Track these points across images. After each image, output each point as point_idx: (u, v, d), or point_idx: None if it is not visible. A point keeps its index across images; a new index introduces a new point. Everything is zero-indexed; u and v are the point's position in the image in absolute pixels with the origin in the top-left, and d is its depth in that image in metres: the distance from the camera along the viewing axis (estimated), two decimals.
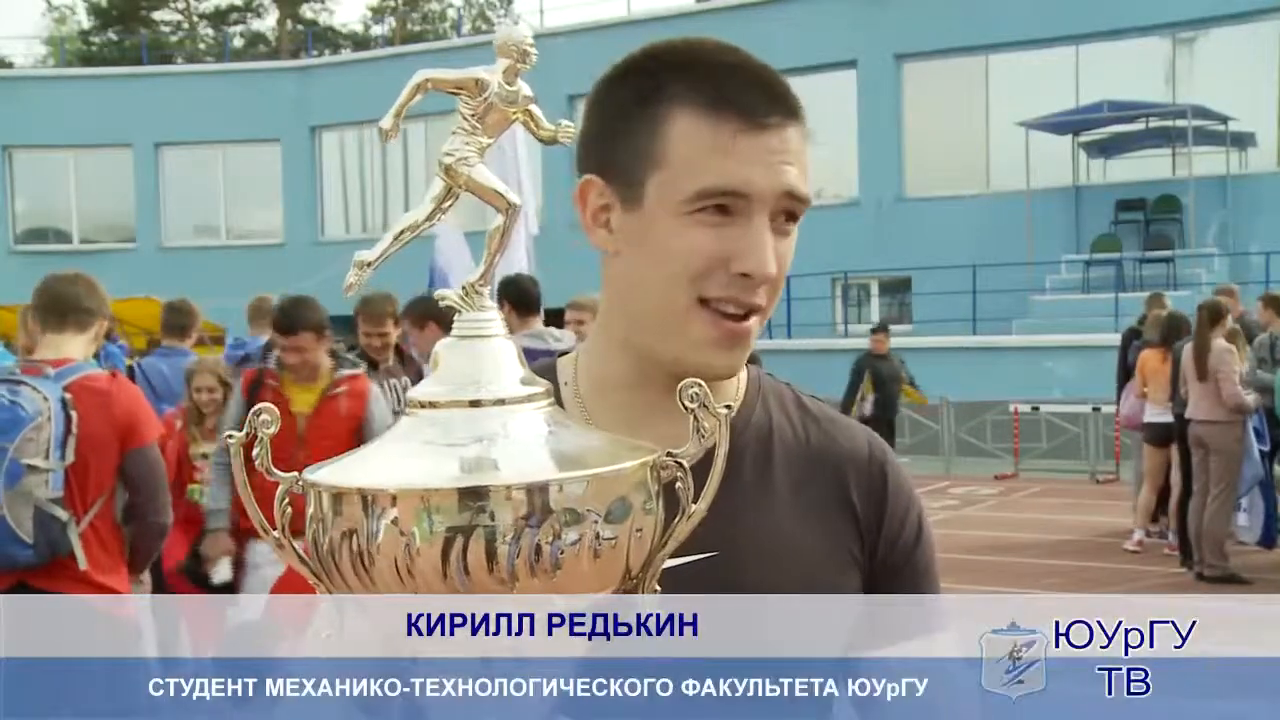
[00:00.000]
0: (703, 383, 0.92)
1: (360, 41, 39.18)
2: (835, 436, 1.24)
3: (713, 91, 1.10)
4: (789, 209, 1.12)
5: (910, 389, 12.07)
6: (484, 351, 0.93)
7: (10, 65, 33.23)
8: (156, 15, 41.07)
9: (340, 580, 0.89)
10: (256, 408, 0.90)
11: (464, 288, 0.95)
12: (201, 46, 40.06)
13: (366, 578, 0.86)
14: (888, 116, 20.19)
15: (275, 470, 0.91)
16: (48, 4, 41.05)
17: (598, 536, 0.87)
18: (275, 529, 0.92)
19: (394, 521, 0.84)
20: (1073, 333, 15.41)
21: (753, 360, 1.33)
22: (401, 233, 0.95)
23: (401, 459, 0.89)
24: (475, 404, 0.90)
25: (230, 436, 0.91)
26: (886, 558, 1.21)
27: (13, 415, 3.38)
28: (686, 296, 1.11)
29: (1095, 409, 13.06)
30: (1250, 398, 7.82)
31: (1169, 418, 8.45)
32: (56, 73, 29.07)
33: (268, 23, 41.34)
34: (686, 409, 0.92)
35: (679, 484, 0.93)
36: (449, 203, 0.96)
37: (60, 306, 3.64)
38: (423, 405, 0.91)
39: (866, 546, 1.20)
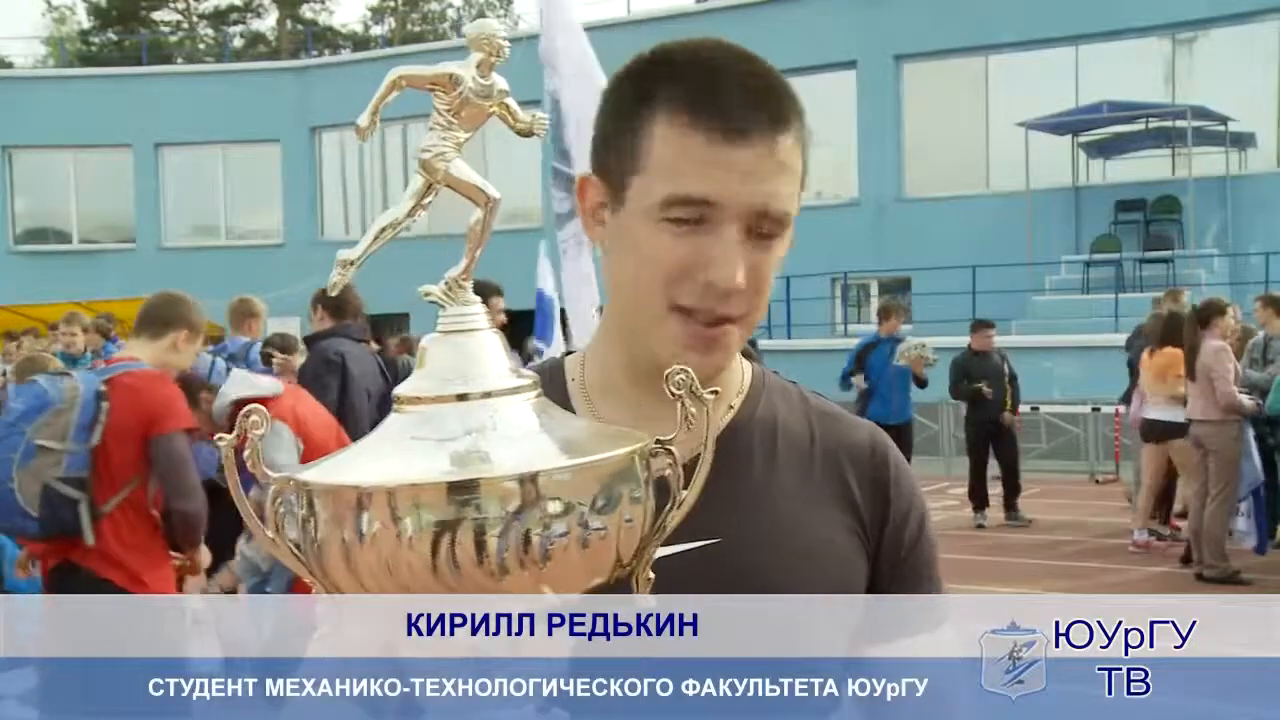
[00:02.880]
0: (689, 369, 0.92)
1: (360, 42, 39.16)
2: (839, 432, 1.24)
3: (693, 97, 1.08)
4: (763, 228, 1.09)
5: (1009, 388, 10.33)
6: (469, 345, 0.93)
7: (10, 65, 33.19)
8: (156, 15, 41.04)
9: (331, 578, 0.88)
10: (246, 409, 0.90)
11: (446, 282, 0.95)
12: (201, 46, 40.03)
13: (357, 574, 0.86)
14: (888, 116, 20.18)
15: (267, 470, 0.90)
16: (48, 4, 41.00)
17: (586, 526, 0.86)
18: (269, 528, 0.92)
19: (383, 518, 0.84)
20: (1072, 333, 15.40)
21: (751, 358, 1.33)
22: (383, 230, 0.95)
23: (390, 456, 0.88)
24: (462, 398, 0.90)
25: (221, 439, 0.90)
26: (890, 553, 1.22)
27: (40, 402, 3.68)
28: (660, 300, 1.10)
29: (1095, 409, 13.05)
30: (1247, 400, 7.81)
31: (1156, 414, 8.51)
32: (56, 73, 29.01)
33: (268, 23, 41.38)
34: (674, 395, 0.91)
35: (669, 471, 0.92)
36: (429, 199, 0.96)
37: (141, 317, 4.01)
38: (410, 401, 0.91)
39: (871, 540, 1.21)
